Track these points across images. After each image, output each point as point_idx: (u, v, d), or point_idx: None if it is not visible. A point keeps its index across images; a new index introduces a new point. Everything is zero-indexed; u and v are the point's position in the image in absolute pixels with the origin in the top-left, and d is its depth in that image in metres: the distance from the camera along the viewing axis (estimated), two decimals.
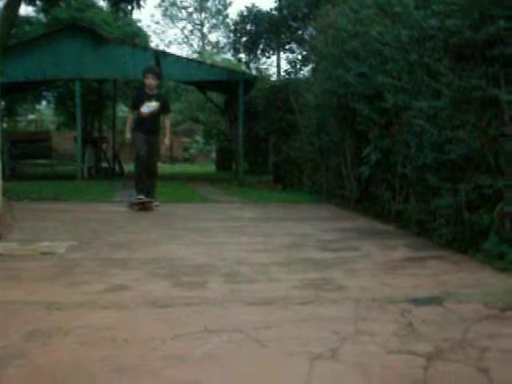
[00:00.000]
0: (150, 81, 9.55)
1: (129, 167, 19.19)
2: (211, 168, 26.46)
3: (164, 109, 9.77)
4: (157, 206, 9.51)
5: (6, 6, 13.46)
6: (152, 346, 3.01)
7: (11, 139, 18.70)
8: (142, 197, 9.19)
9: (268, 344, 3.08)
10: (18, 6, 14.70)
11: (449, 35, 6.23)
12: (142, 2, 20.40)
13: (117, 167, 20.92)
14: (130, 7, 20.65)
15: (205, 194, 12.79)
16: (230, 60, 35.39)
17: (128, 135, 9.67)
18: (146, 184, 9.37)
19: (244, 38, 21.18)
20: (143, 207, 9.14)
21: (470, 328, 3.36)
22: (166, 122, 10.18)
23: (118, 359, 2.83)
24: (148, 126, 9.47)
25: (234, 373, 2.75)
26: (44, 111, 40.38)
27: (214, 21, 55.04)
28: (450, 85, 6.06)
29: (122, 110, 34.26)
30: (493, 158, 5.65)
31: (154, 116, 9.57)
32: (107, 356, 2.86)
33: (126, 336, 3.16)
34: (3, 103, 21.61)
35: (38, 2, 20.23)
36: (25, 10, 25.52)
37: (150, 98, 9.51)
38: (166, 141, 10.06)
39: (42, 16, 26.11)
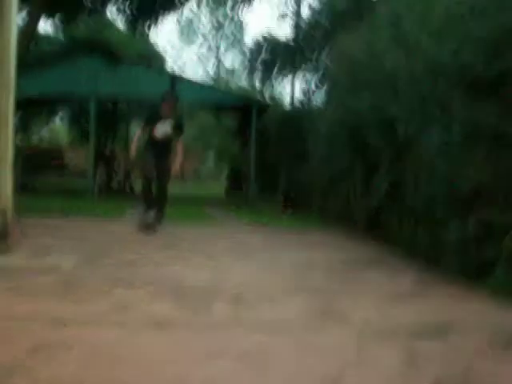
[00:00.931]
0: (166, 109, 9.36)
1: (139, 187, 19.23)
2: (222, 190, 26.47)
3: (177, 131, 9.58)
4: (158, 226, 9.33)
5: (25, 23, 13.62)
6: (152, 366, 3.03)
7: (24, 154, 18.79)
8: (147, 218, 9.10)
9: (269, 371, 3.08)
10: (37, 21, 14.87)
11: (462, 70, 6.27)
12: (159, 19, 20.53)
13: (128, 186, 20.99)
14: (146, 27, 20.80)
15: (213, 216, 12.83)
16: (243, 85, 35.54)
17: (133, 153, 9.60)
18: (156, 205, 9.23)
19: (259, 65, 21.31)
20: (149, 229, 8.95)
21: (473, 363, 3.35)
22: (179, 145, 9.91)
23: (118, 378, 2.84)
24: (160, 149, 9.31)
25: None
26: (58, 127, 40.60)
27: (230, 45, 55.34)
28: (461, 119, 6.09)
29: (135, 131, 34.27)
30: (503, 192, 5.66)
31: (167, 138, 9.43)
32: (107, 374, 2.88)
33: (127, 355, 3.17)
34: (17, 118, 21.74)
35: (56, 20, 20.40)
36: (43, 28, 25.73)
37: (164, 121, 9.33)
38: (177, 165, 9.53)
39: (59, 34, 26.36)
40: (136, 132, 10.10)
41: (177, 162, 9.56)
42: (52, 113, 32.54)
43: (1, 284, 4.84)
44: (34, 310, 4.05)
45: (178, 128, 9.66)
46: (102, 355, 3.16)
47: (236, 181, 23.29)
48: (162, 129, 9.32)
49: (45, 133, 40.24)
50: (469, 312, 4.77)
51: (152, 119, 9.54)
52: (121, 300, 4.49)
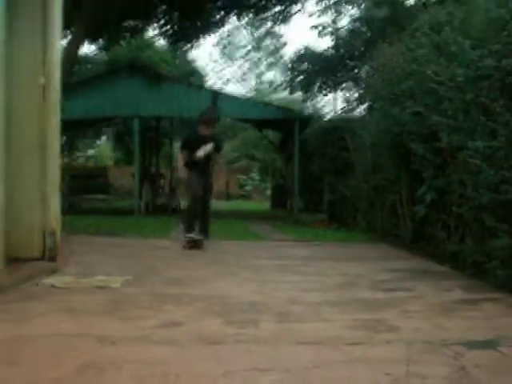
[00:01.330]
0: (203, 129, 9.47)
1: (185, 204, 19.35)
2: (266, 205, 26.50)
3: (217, 148, 9.70)
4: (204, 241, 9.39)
5: (69, 44, 13.85)
6: (203, 382, 3.02)
7: (70, 174, 19.10)
8: (192, 235, 9.13)
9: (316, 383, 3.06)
10: (81, 44, 15.12)
11: (505, 75, 6.18)
12: (200, 41, 20.78)
13: (174, 204, 21.13)
14: (188, 45, 21.05)
15: (259, 231, 12.82)
16: (285, 98, 35.60)
17: (182, 174, 9.56)
18: (200, 222, 9.35)
19: (300, 77, 21.32)
20: (195, 245, 9.03)
21: None
22: (216, 163, 10.05)
23: None
24: (202, 167, 9.38)
25: None
26: (103, 147, 41.18)
27: (271, 59, 55.55)
28: (507, 124, 6.00)
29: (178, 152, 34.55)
30: None
31: (208, 156, 9.49)
32: None
33: (177, 372, 3.18)
34: (64, 138, 22.12)
35: (99, 41, 20.77)
36: (87, 48, 26.31)
37: (205, 142, 9.37)
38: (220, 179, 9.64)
39: (103, 54, 26.81)
40: (179, 156, 10.04)
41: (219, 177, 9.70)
42: (97, 133, 33.06)
43: (50, 302, 4.90)
44: (83, 328, 4.08)
45: (217, 146, 9.79)
46: (151, 372, 3.16)
47: (280, 196, 23.31)
48: (205, 150, 9.32)
49: (91, 153, 40.86)
50: None
51: (190, 142, 9.66)
52: (169, 317, 4.50)
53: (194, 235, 9.15)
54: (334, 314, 4.80)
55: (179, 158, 9.84)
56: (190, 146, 9.47)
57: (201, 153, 9.27)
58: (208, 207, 9.70)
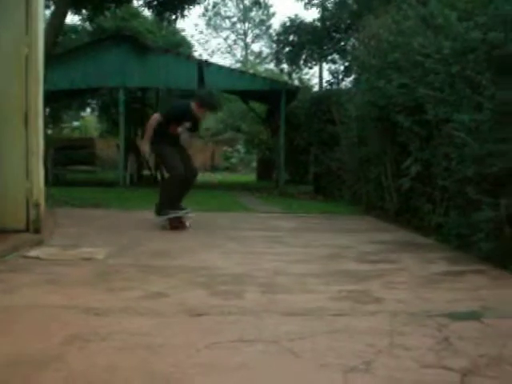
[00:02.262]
0: (200, 111, 8.53)
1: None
2: (252, 177, 26.52)
3: (195, 127, 8.84)
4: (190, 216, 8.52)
5: (53, 15, 13.71)
6: (186, 353, 3.03)
7: (55, 146, 18.98)
8: (177, 211, 8.22)
9: (302, 355, 3.08)
10: (65, 15, 14.97)
11: (491, 48, 6.18)
12: (185, 12, 20.62)
13: (158, 175, 21.09)
14: (173, 17, 20.87)
15: (245, 203, 12.85)
16: (272, 70, 35.50)
17: (146, 148, 8.54)
18: (182, 198, 8.52)
19: (287, 49, 21.23)
20: (179, 225, 8.17)
21: (508, 344, 3.32)
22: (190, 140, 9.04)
23: (152, 366, 2.86)
24: (175, 139, 8.43)
25: (266, 383, 2.76)
26: (88, 118, 40.94)
27: (258, 31, 55.32)
28: (492, 98, 6.01)
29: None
30: None
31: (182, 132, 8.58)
32: (142, 362, 2.89)
33: (160, 343, 3.19)
34: (48, 110, 21.96)
35: (83, 11, 20.57)
36: (71, 19, 26.12)
37: (189, 119, 8.51)
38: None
39: (87, 25, 26.55)
40: (152, 119, 8.53)
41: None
42: (83, 104, 32.83)
43: (36, 274, 4.90)
44: (68, 300, 4.08)
45: (196, 127, 8.96)
46: (135, 343, 3.17)
47: (266, 168, 23.33)
48: (187, 127, 8.55)
49: (76, 124, 40.62)
50: (503, 294, 4.73)
51: (179, 115, 8.55)
52: (154, 288, 4.51)
53: (179, 210, 8.27)
54: (319, 286, 4.82)
55: (149, 124, 8.48)
56: (177, 119, 8.49)
57: (182, 130, 8.48)
58: (193, 182, 8.72)
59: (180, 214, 8.26)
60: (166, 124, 8.35)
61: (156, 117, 8.46)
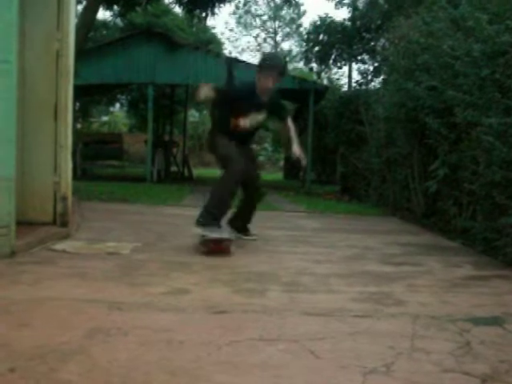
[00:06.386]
0: (267, 83, 6.21)
1: (198, 172, 19.31)
2: (279, 176, 26.52)
3: (277, 115, 6.84)
4: (255, 239, 6.95)
5: (85, 10, 13.80)
6: (206, 350, 3.05)
7: (84, 140, 19.15)
8: (216, 232, 5.97)
9: (322, 355, 3.08)
10: (97, 10, 15.05)
11: None
12: (216, 10, 20.63)
13: (186, 171, 21.19)
14: (204, 14, 20.90)
15: (271, 201, 12.85)
16: (301, 69, 35.44)
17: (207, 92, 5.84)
18: (240, 210, 6.92)
19: (316, 48, 21.15)
20: (218, 249, 5.92)
21: None
22: (289, 125, 6.86)
23: (173, 361, 2.88)
24: (245, 136, 6.54)
25: (285, 382, 2.77)
26: (117, 113, 41.19)
27: (288, 29, 55.24)
28: None
29: (193, 115, 34.57)
30: None
31: (256, 128, 6.68)
32: (162, 358, 2.92)
33: (181, 339, 3.21)
34: (78, 104, 22.14)
35: (115, 7, 20.67)
36: (102, 14, 26.35)
37: (259, 108, 6.33)
38: (298, 151, 6.58)
39: (118, 20, 26.71)
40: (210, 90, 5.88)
41: (296, 147, 6.63)
42: (112, 99, 33.04)
43: (61, 267, 4.96)
44: (92, 293, 4.13)
45: (280, 109, 6.88)
46: (157, 339, 3.20)
47: (293, 167, 23.31)
48: (254, 119, 6.38)
49: (105, 119, 40.90)
50: None
51: (241, 102, 6.21)
52: (177, 284, 4.54)
53: (218, 232, 6.01)
54: (342, 286, 4.82)
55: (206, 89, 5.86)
56: (234, 104, 6.21)
57: (247, 122, 6.30)
58: (258, 192, 6.82)
59: (221, 236, 6.01)
60: (226, 110, 6.33)
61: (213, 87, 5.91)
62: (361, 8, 20.60)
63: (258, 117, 6.37)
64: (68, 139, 6.69)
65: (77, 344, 3.05)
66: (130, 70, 17.36)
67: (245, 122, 6.24)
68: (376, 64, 19.01)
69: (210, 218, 5.99)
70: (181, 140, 23.81)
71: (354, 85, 21.47)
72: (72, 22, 6.80)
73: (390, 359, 3.05)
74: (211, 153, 6.61)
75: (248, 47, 69.53)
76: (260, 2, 56.10)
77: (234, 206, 6.79)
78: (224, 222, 6.41)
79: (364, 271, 5.51)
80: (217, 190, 6.14)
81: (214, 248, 5.86)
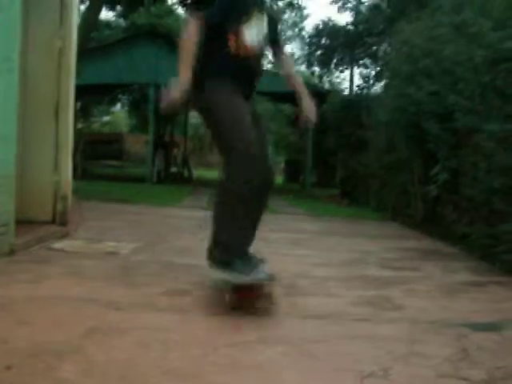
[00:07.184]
0: None
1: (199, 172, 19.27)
2: (279, 179, 26.50)
3: (275, 32, 4.46)
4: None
5: (88, 10, 13.84)
6: (204, 351, 3.05)
7: (84, 140, 19.15)
8: (241, 274, 3.69)
9: (320, 359, 3.08)
10: (99, 10, 15.10)
11: None
12: None
13: (186, 172, 21.19)
14: None
15: (270, 204, 12.82)
16: (303, 72, 35.44)
17: (183, 86, 4.06)
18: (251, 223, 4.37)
19: (318, 52, 21.20)
20: (250, 297, 3.82)
21: None
22: (290, 66, 4.79)
23: (170, 362, 2.88)
24: (248, 77, 4.14)
25: None
26: (118, 114, 41.20)
27: (290, 33, 55.23)
28: None
29: (195, 117, 34.59)
30: None
31: (261, 53, 4.19)
32: (159, 358, 2.91)
33: (179, 340, 3.21)
34: (79, 104, 22.14)
35: (118, 7, 20.72)
36: (105, 14, 26.45)
37: (260, 9, 4.07)
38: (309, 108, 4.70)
39: (121, 21, 26.74)
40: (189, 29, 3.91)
41: (307, 104, 4.69)
42: (113, 100, 33.06)
43: (60, 266, 4.95)
44: (91, 293, 4.12)
45: (276, 26, 4.62)
46: (154, 339, 3.20)
47: (293, 170, 23.32)
48: (258, 29, 4.04)
49: (106, 119, 40.91)
50: None
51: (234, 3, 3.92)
52: (176, 285, 4.54)
53: (246, 273, 3.69)
54: (341, 290, 4.82)
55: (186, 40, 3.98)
56: (233, 13, 3.88)
57: (253, 36, 3.98)
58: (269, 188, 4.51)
59: (252, 280, 3.73)
60: (219, 33, 3.91)
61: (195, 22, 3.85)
62: (364, 12, 20.63)
63: (263, 24, 4.06)
64: (69, 138, 6.70)
65: (74, 343, 3.04)
66: (131, 71, 17.35)
67: (251, 36, 3.93)
68: (378, 68, 19.04)
69: (225, 252, 3.85)
70: (182, 141, 23.82)
71: (355, 89, 21.47)
72: (75, 21, 6.81)
73: (387, 363, 3.04)
74: (205, 118, 4.23)
75: None
76: None
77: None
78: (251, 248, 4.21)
79: (363, 275, 5.51)
80: (221, 205, 3.98)
81: (242, 296, 3.79)
